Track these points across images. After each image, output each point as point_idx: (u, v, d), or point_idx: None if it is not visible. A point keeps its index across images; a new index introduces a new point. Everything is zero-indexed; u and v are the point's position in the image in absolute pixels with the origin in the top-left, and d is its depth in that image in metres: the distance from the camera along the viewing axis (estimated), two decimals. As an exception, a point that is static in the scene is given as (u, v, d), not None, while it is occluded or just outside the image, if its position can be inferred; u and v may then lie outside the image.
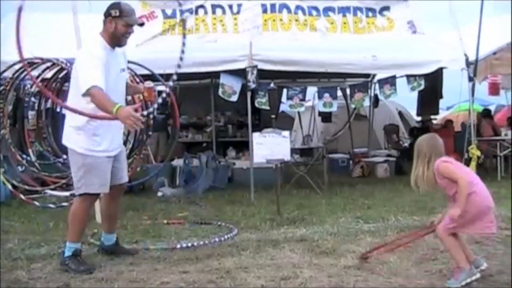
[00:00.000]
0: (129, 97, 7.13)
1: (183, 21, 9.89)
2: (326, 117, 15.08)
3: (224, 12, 10.70)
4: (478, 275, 4.52)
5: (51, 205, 7.71)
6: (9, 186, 8.21)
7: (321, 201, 8.76)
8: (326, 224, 6.99)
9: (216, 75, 10.23)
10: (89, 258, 5.50)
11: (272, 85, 9.38)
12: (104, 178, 5.26)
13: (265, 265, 5.18)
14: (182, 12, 10.29)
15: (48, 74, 8.12)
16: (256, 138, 8.38)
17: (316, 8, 10.90)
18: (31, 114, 8.78)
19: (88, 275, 4.93)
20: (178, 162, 11.61)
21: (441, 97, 14.27)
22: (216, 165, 11.16)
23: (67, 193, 7.65)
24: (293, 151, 11.09)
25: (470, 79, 10.24)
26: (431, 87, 12.12)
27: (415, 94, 13.62)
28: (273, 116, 8.77)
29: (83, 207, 5.28)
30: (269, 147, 8.13)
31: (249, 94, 9.81)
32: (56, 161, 8.10)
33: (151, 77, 8.57)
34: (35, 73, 8.06)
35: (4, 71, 8.20)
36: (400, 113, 18.98)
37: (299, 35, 10.59)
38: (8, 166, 8.67)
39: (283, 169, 10.42)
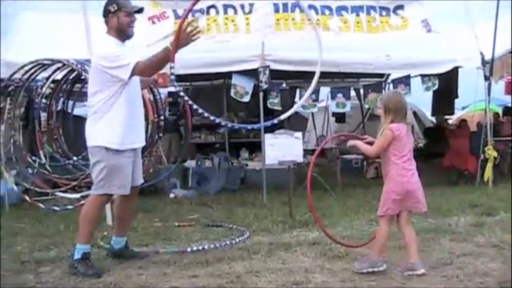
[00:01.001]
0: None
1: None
2: (339, 117, 14.95)
3: (235, 12, 10.61)
4: (381, 268, 4.89)
5: (56, 208, 7.65)
6: (15, 188, 8.18)
7: (334, 203, 8.63)
8: (339, 227, 6.88)
9: (228, 75, 10.14)
10: (98, 261, 5.44)
11: (284, 85, 9.27)
12: (126, 180, 5.25)
13: (277, 269, 5.08)
14: (193, 12, 10.20)
15: (59, 76, 8.06)
16: (268, 139, 8.29)
17: (329, 8, 10.79)
18: (43, 115, 8.72)
19: (96, 279, 4.86)
20: (190, 164, 11.53)
21: (457, 96, 14.12)
22: (229, 166, 11.08)
23: (77, 195, 7.58)
24: (306, 152, 10.97)
25: (486, 78, 10.08)
26: (446, 87, 11.97)
27: (429, 94, 13.47)
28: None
29: (96, 208, 5.24)
30: (282, 148, 8.05)
31: (261, 94, 9.70)
32: (67, 163, 8.03)
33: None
34: (45, 74, 8.03)
35: (14, 72, 8.15)
36: (414, 113, 18.79)
37: (312, 34, 10.45)
38: (20, 168, 8.63)
39: (296, 170, 10.32)
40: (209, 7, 10.53)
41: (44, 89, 8.27)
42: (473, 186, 9.99)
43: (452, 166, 11.05)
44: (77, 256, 5.10)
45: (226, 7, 10.60)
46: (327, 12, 10.73)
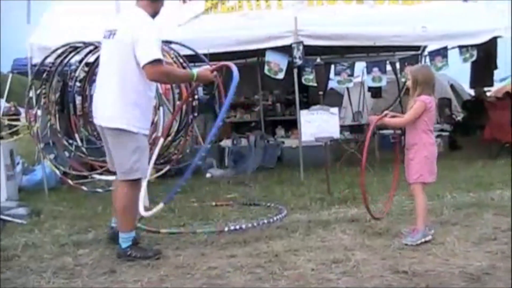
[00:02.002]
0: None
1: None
2: (375, 92, 14.69)
3: (267, -13, 10.44)
4: (431, 236, 5.04)
5: (99, 190, 7.71)
6: (57, 172, 8.23)
7: (372, 179, 8.47)
8: (378, 203, 6.74)
9: (262, 53, 10.02)
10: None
11: (318, 60, 9.12)
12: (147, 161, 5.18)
13: (316, 247, 5.01)
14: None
15: (91, 59, 8.05)
16: (304, 116, 8.18)
17: (363, -20, 10.54)
18: (78, 99, 8.75)
19: (135, 261, 4.83)
20: (226, 143, 11.50)
21: (496, 67, 13.77)
22: (265, 145, 11.01)
23: (114, 177, 7.58)
24: (343, 128, 10.84)
25: (526, 47, 9.77)
26: (485, 58, 11.66)
27: (467, 66, 13.17)
28: (320, 92, 8.52)
29: (136, 193, 5.05)
30: (318, 124, 7.94)
31: (295, 71, 9.57)
32: (102, 145, 8.03)
33: (195, 57, 8.47)
34: (78, 57, 8.03)
35: (47, 56, 8.17)
36: (452, 86, 18.45)
37: (346, 8, 10.25)
38: (57, 152, 8.70)
39: (333, 147, 10.20)
40: (240, -16, 10.40)
41: (77, 72, 8.29)
42: (515, 159, 9.75)
43: (493, 139, 10.79)
44: (126, 244, 4.97)
45: (257, -17, 10.44)
46: (361, -16, 10.49)
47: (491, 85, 15.58)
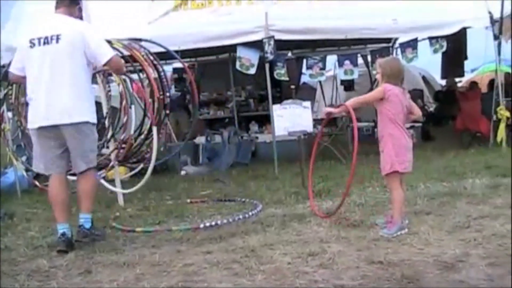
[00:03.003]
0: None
1: None
2: (348, 85, 14.77)
3: (236, -18, 10.42)
4: (406, 229, 5.05)
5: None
6: (26, 175, 8.16)
7: (346, 171, 8.49)
8: (353, 195, 6.77)
9: (233, 49, 10.00)
10: (112, 242, 5.45)
11: (289, 54, 9.12)
12: None
13: (291, 241, 5.02)
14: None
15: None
16: (277, 110, 8.19)
17: (333, -26, 10.56)
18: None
19: (110, 261, 4.80)
20: (200, 140, 11.46)
21: (466, 58, 13.93)
22: (239, 141, 11.01)
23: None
24: (316, 122, 10.85)
25: (496, 37, 9.87)
26: (455, 49, 11.77)
27: (438, 58, 13.27)
28: (292, 86, 8.53)
29: (95, 180, 5.73)
30: (290, 118, 7.94)
31: (267, 66, 9.56)
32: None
33: (166, 54, 8.42)
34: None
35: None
36: (423, 78, 18.59)
37: (316, 2, 10.26)
38: (29, 154, 8.58)
39: (307, 140, 10.21)
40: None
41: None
42: (486, 148, 9.86)
43: (464, 128, 10.91)
44: (89, 224, 5.40)
45: (226, -22, 10.41)
46: (331, -22, 10.51)
47: (462, 75, 15.74)
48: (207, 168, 10.30)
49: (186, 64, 7.48)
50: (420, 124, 12.97)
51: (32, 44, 5.27)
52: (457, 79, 15.88)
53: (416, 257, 4.34)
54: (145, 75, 7.41)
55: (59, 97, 5.23)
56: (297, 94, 11.84)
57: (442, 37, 9.96)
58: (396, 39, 12.74)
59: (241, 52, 9.62)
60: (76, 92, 5.28)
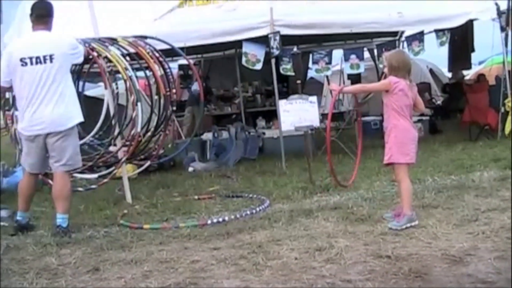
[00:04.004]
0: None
1: None
2: (355, 79, 14.73)
3: (241, -22, 10.40)
4: (416, 221, 5.03)
5: (80, 189, 7.63)
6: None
7: (354, 166, 8.49)
8: (360, 190, 6.78)
9: (239, 44, 9.99)
10: (120, 239, 5.43)
11: (295, 49, 9.09)
12: None
13: (299, 236, 5.01)
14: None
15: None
16: (283, 106, 8.16)
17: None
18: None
19: (118, 258, 4.81)
20: (207, 136, 11.46)
21: (473, 50, 13.85)
22: (246, 136, 10.98)
23: (95, 175, 7.56)
24: (324, 116, 10.83)
25: (503, 29, 9.82)
26: (461, 41, 11.73)
27: (445, 51, 13.21)
28: (298, 81, 8.49)
29: (69, 182, 6.01)
30: (297, 113, 7.91)
31: (273, 61, 9.55)
32: (83, 143, 7.97)
33: (172, 51, 8.42)
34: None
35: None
36: (431, 71, 18.52)
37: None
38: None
39: (314, 135, 10.21)
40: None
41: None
42: (494, 140, 9.82)
43: (472, 121, 10.86)
44: (66, 223, 5.79)
45: (231, -26, 10.40)
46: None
47: (469, 68, 15.67)
48: (214, 164, 10.28)
49: (192, 61, 7.51)
50: (427, 117, 12.95)
51: (24, 63, 5.66)
52: (464, 72, 15.81)
53: (424, 251, 4.33)
54: (151, 73, 7.43)
55: (50, 109, 5.69)
56: (303, 89, 11.78)
57: (448, 29, 9.91)
58: (402, 32, 12.70)
59: (247, 47, 9.60)
60: (66, 100, 5.78)
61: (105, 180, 7.39)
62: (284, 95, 10.11)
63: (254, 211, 6.05)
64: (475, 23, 11.12)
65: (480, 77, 12.78)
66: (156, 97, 7.80)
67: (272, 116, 12.06)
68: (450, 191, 6.27)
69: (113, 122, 7.35)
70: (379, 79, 14.14)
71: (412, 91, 5.23)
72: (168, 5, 9.86)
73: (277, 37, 9.24)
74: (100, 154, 7.42)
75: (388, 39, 12.08)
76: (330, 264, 4.22)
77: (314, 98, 8.08)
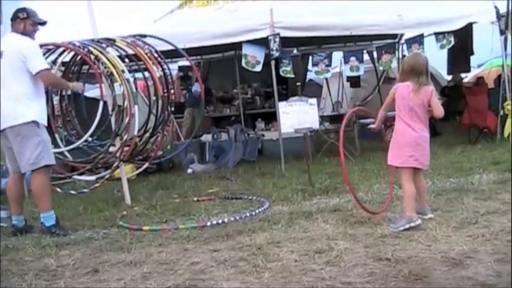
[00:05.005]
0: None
1: None
2: (354, 82, 14.75)
3: (242, -21, 10.41)
4: (418, 222, 5.00)
5: (72, 192, 7.64)
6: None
7: (353, 168, 8.50)
8: (360, 192, 6.75)
9: (239, 46, 9.99)
10: (119, 240, 5.42)
11: (295, 51, 9.09)
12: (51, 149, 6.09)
13: (298, 238, 5.01)
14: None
15: (67, 58, 7.96)
16: (282, 108, 8.17)
17: (338, -31, 10.52)
18: (55, 99, 8.65)
19: (117, 259, 4.80)
20: (206, 138, 11.45)
21: (472, 53, 13.87)
22: (245, 138, 10.98)
23: (93, 177, 7.55)
24: (323, 118, 10.84)
25: (502, 32, 9.82)
26: (461, 44, 11.73)
27: (444, 53, 13.20)
28: (298, 84, 8.49)
29: (48, 177, 6.00)
30: (296, 115, 7.92)
31: (273, 63, 9.55)
32: (80, 143, 7.95)
33: (171, 52, 8.42)
34: (52, 57, 7.94)
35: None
36: (430, 74, 18.49)
37: (321, -1, 10.25)
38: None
39: (313, 137, 10.21)
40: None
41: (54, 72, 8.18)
42: (494, 143, 9.82)
43: (471, 124, 10.85)
44: (51, 222, 5.87)
45: (231, -25, 10.41)
46: (336, -26, 10.48)
47: (468, 71, 15.68)
48: (213, 166, 10.28)
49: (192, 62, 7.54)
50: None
51: None
52: (463, 75, 15.82)
53: (423, 253, 4.32)
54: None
55: (7, 104, 5.78)
56: (303, 91, 11.80)
57: (448, 32, 9.90)
58: (402, 35, 12.71)
59: (246, 49, 9.61)
60: (19, 97, 5.79)
61: (97, 185, 7.43)
62: (284, 97, 10.12)
63: (253, 213, 6.04)
64: (474, 26, 11.13)
65: (479, 80, 12.79)
66: (154, 98, 7.79)
67: (271, 118, 12.07)
68: (449, 194, 6.27)
69: (112, 123, 7.34)
70: (378, 82, 14.24)
71: (420, 93, 5.19)
72: (168, 6, 9.86)
73: (277, 39, 9.24)
74: (99, 154, 7.41)
75: (387, 42, 12.07)
76: (330, 266, 4.21)
77: (313, 100, 8.09)
